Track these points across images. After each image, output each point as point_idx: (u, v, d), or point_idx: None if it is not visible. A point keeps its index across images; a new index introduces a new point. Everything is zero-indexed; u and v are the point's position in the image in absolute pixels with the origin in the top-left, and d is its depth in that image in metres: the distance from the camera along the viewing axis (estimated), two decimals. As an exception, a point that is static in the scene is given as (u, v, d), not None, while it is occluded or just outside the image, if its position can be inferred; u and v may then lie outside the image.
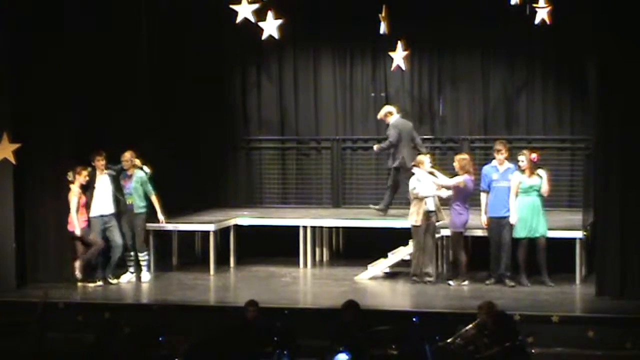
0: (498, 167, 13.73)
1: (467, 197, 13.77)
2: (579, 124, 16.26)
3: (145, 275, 14.40)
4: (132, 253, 14.39)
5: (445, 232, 14.16)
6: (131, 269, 14.32)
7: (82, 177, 13.81)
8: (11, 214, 13.77)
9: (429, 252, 13.90)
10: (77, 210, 13.74)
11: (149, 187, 14.28)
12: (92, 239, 13.92)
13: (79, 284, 13.83)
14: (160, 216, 14.43)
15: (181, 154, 16.45)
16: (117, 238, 14.07)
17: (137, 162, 14.29)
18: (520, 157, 13.59)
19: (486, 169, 13.86)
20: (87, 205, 13.94)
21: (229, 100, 17.67)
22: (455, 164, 13.80)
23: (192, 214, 16.01)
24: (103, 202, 14.02)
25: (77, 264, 13.82)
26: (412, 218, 13.80)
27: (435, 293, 13.39)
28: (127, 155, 14.24)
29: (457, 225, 13.73)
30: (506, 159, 13.77)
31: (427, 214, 13.76)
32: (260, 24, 14.12)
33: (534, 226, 13.51)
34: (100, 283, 14.01)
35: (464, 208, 13.71)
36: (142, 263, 14.39)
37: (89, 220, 13.94)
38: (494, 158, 13.95)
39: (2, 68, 13.73)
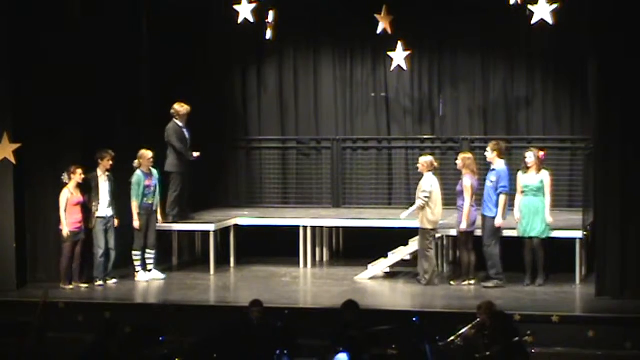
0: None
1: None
2: (579, 124, 16.26)
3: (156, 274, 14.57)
4: (152, 252, 14.51)
5: (446, 232, 14.19)
6: (149, 267, 14.43)
7: (77, 177, 13.74)
8: (11, 214, 13.77)
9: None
10: (66, 210, 13.66)
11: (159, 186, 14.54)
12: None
13: (70, 285, 13.72)
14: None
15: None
16: (113, 240, 14.09)
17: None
18: (528, 154, 13.60)
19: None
20: (84, 206, 13.90)
21: (229, 100, 17.67)
22: (459, 162, 13.79)
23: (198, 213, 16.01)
24: (106, 203, 14.02)
25: (63, 265, 13.75)
26: (424, 220, 13.65)
27: (435, 293, 13.39)
28: (149, 154, 14.31)
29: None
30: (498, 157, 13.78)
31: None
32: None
33: (528, 226, 13.52)
34: (100, 283, 14.00)
35: (472, 207, 13.66)
36: (152, 260, 14.49)
37: (85, 220, 13.91)
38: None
39: (2, 68, 13.73)
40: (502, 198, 13.46)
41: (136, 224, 14.28)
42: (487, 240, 13.51)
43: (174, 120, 15.05)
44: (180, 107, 15.06)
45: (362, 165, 17.26)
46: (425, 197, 13.57)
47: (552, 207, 13.78)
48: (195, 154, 15.11)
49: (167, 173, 15.03)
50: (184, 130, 15.10)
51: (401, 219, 14.09)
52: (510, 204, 13.77)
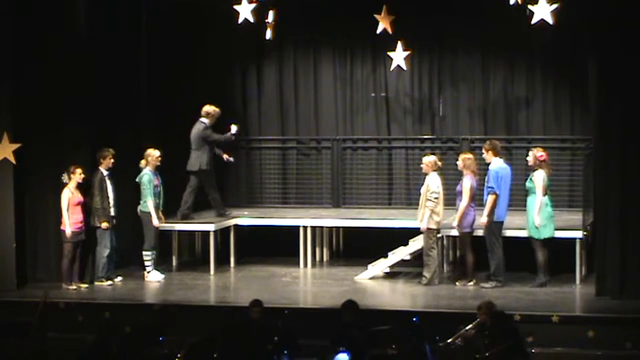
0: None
1: (473, 197, 13.75)
2: (579, 124, 16.26)
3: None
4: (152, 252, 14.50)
5: (446, 232, 14.19)
6: (152, 267, 14.44)
7: (77, 176, 13.72)
8: (11, 214, 13.75)
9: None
10: (68, 210, 13.65)
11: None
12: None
13: (72, 285, 13.74)
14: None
15: (181, 154, 16.42)
16: (114, 240, 14.09)
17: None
18: (530, 153, 13.65)
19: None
20: (85, 206, 13.87)
21: (229, 100, 17.66)
22: (460, 163, 13.79)
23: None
24: (111, 202, 14.00)
25: (65, 265, 13.74)
26: (430, 220, 13.61)
27: (435, 293, 13.39)
28: (157, 152, 14.32)
29: (465, 226, 13.69)
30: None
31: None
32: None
33: (527, 225, 13.55)
34: (110, 282, 14.00)
35: (471, 208, 13.68)
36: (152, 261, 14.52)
37: (86, 221, 13.89)
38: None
39: (2, 68, 13.73)
40: (490, 198, 13.43)
41: (156, 222, 14.28)
42: (488, 240, 13.51)
43: (202, 120, 15.05)
44: (213, 110, 15.09)
45: (362, 165, 17.26)
46: (436, 198, 13.58)
47: (554, 208, 13.77)
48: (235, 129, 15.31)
49: (189, 172, 15.10)
50: None
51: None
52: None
